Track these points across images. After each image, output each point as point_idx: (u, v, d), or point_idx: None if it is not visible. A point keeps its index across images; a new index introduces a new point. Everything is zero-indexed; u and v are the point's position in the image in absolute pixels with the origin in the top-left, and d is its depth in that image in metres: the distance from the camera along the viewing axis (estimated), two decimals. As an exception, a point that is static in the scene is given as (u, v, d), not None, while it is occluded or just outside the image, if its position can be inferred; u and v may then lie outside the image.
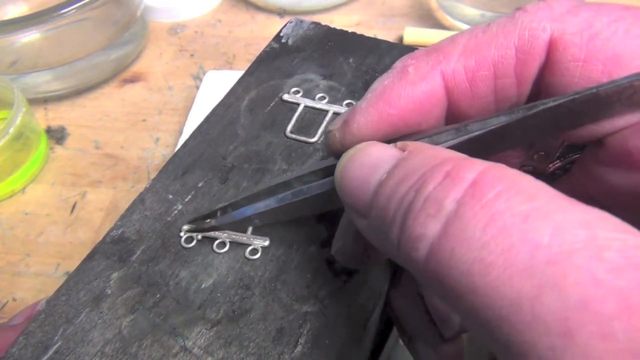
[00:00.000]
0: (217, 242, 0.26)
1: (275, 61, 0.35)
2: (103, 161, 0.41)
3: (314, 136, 0.30)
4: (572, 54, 0.17)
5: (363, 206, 0.17)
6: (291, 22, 0.38)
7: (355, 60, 0.35)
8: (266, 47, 0.36)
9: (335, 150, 0.21)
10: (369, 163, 0.17)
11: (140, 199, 0.28)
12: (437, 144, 0.18)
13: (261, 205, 0.24)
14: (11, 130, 0.37)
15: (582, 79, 0.17)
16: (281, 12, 0.53)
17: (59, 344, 0.23)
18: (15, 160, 0.39)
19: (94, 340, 0.23)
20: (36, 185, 0.40)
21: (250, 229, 0.26)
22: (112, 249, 0.26)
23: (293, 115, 0.32)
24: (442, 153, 0.16)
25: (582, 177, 0.20)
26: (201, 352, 0.23)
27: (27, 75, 0.44)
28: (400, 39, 0.49)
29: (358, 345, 0.23)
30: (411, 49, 0.35)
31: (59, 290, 0.25)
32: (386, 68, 0.34)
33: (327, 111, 0.32)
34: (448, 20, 0.52)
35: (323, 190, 0.21)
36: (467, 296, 0.13)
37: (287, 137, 0.31)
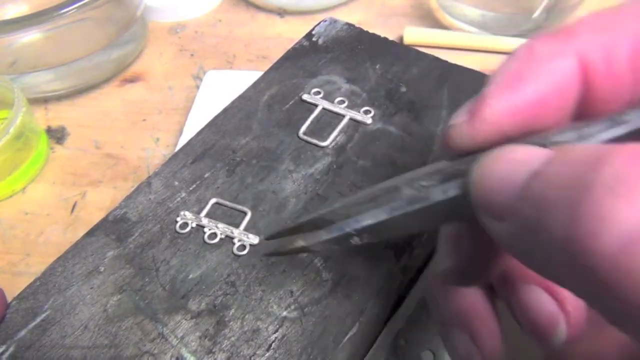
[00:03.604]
0: (208, 232, 0.26)
1: (302, 59, 0.35)
2: (103, 161, 0.41)
3: (325, 140, 0.30)
4: None
5: (506, 205, 0.15)
6: (325, 20, 0.37)
7: (381, 67, 0.34)
8: (296, 44, 0.36)
9: (461, 146, 0.17)
10: (516, 159, 0.15)
11: (148, 182, 0.29)
12: (586, 136, 0.15)
13: (365, 218, 0.19)
14: (11, 130, 0.38)
15: None
16: (281, 12, 0.53)
17: (48, 312, 0.24)
18: (15, 160, 0.39)
19: (79, 314, 0.24)
20: (36, 185, 0.40)
21: (243, 224, 0.27)
22: (112, 227, 0.27)
23: (309, 116, 0.31)
24: (604, 147, 0.13)
25: None
26: (177, 341, 0.23)
27: (27, 75, 0.45)
28: (400, 38, 0.48)
29: None
30: (440, 58, 0.34)
31: (56, 260, 0.26)
32: (412, 78, 0.33)
33: (343, 116, 0.31)
34: (448, 20, 0.51)
35: (448, 196, 0.17)
36: None
37: (299, 138, 0.30)
